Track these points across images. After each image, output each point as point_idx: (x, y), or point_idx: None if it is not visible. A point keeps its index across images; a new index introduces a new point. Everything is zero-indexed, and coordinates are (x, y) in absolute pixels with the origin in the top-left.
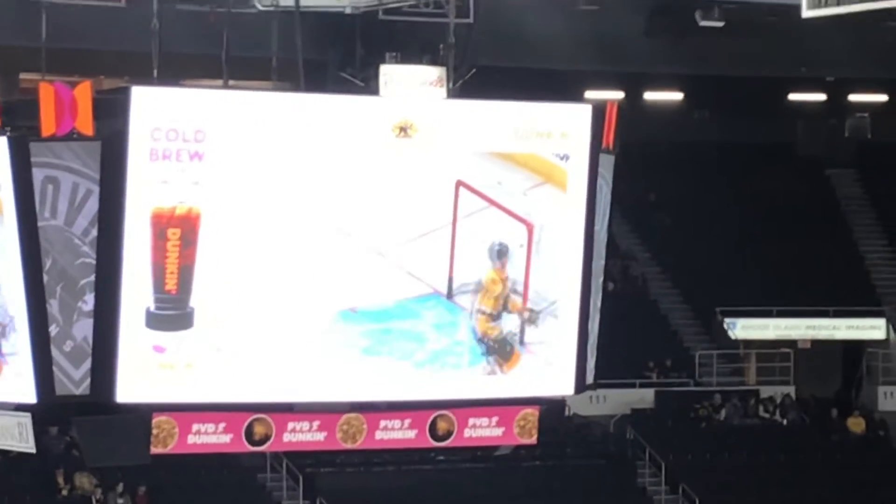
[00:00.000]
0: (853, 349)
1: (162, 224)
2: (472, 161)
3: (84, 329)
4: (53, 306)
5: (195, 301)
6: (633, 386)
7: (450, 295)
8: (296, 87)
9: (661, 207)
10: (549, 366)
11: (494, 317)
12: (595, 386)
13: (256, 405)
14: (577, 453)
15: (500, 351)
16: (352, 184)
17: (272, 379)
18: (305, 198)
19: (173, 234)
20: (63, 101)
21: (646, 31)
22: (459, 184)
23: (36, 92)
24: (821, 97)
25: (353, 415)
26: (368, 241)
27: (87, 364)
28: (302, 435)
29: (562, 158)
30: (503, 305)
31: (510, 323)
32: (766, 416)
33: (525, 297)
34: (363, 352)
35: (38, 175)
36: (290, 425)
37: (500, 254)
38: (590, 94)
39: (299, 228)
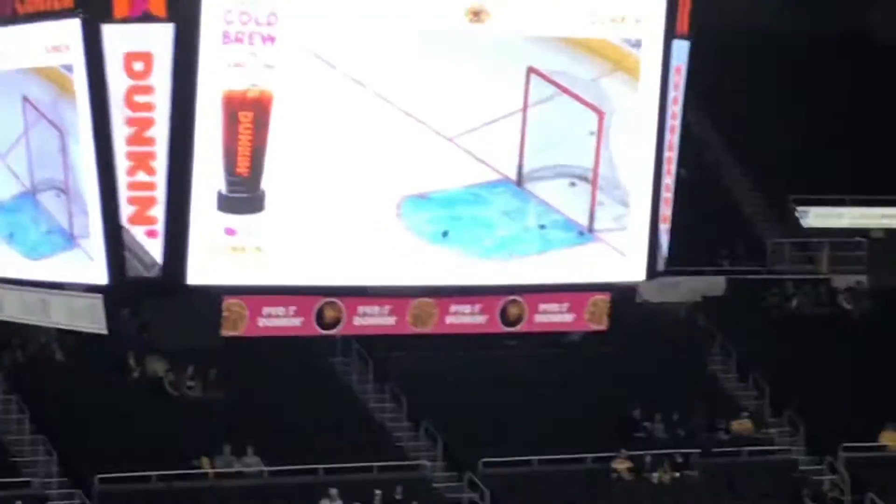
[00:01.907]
0: None
1: (234, 107)
2: (543, 47)
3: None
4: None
5: (266, 184)
6: (704, 273)
7: (519, 182)
8: None
9: (737, 95)
10: (620, 253)
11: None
12: (666, 273)
13: (327, 288)
14: (648, 340)
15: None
16: (423, 68)
17: (343, 263)
18: (377, 82)
19: (245, 117)
20: None
21: None
22: (531, 70)
23: None
24: None
25: (424, 299)
26: (439, 126)
27: (159, 246)
28: (372, 319)
29: (634, 45)
30: None
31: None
32: (839, 305)
33: (594, 184)
34: (431, 237)
35: None
36: (361, 309)
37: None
38: None
39: (370, 112)
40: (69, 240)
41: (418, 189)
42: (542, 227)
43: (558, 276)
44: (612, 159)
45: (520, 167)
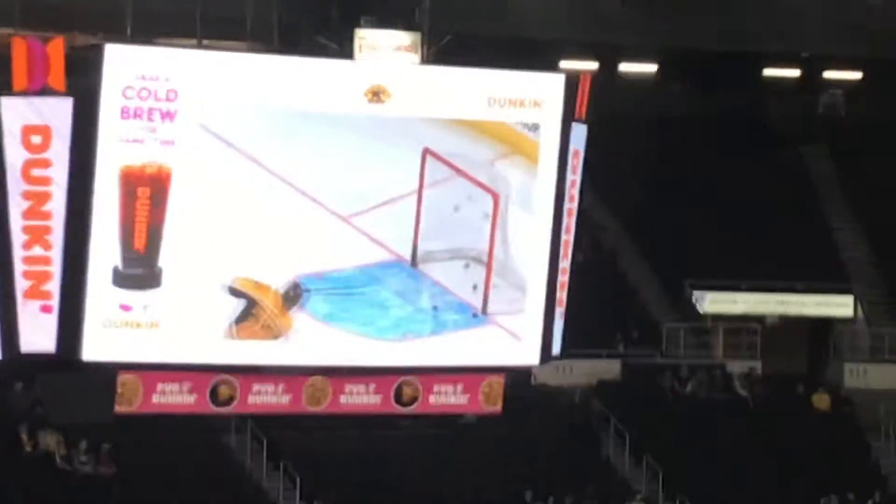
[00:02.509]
0: (821, 326)
1: (132, 182)
2: (440, 129)
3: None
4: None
5: (163, 260)
6: (599, 357)
7: (414, 263)
8: (270, 49)
9: (634, 180)
10: (515, 336)
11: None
12: (562, 356)
13: (222, 366)
14: (542, 423)
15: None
16: (321, 148)
17: (237, 341)
18: (274, 161)
19: (143, 192)
20: (36, 56)
21: (622, 1)
22: (427, 151)
23: (8, 47)
24: (795, 73)
25: (318, 378)
26: (334, 206)
27: (54, 321)
28: (267, 397)
29: (531, 129)
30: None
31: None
32: (733, 390)
33: (489, 266)
34: (325, 318)
35: None
36: (256, 387)
37: None
38: (564, 63)
39: (266, 190)
40: None
41: (314, 268)
42: (436, 308)
43: (453, 358)
44: (508, 242)
45: (414, 248)
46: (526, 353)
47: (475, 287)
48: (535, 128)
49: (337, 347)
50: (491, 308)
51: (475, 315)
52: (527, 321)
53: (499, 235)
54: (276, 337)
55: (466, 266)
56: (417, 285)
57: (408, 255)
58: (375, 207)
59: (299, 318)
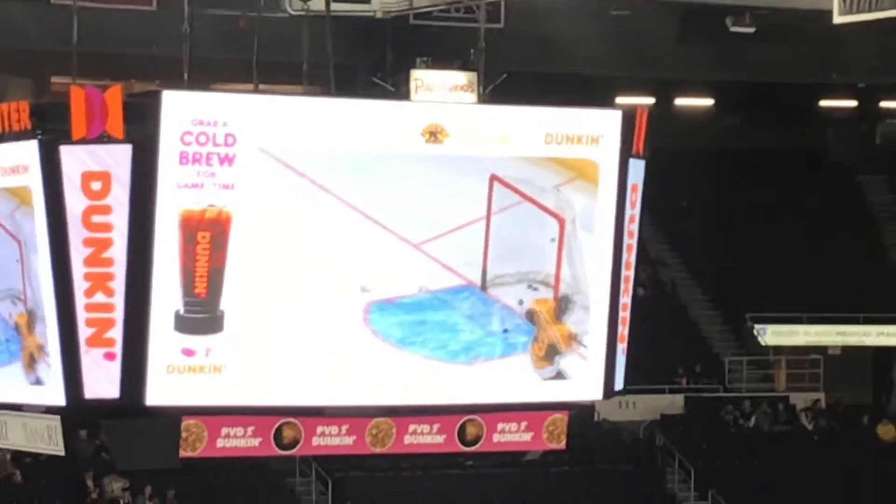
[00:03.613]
0: (883, 356)
1: (192, 227)
2: (503, 160)
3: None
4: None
5: (225, 304)
6: (662, 392)
7: (483, 287)
8: (326, 92)
9: (692, 213)
10: (583, 357)
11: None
12: (624, 392)
13: (286, 409)
14: (606, 459)
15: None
16: (387, 180)
17: (302, 382)
18: (341, 192)
19: (203, 237)
20: (94, 104)
21: (677, 36)
22: (493, 178)
23: (67, 95)
24: (852, 103)
25: (382, 419)
26: (405, 234)
27: (117, 368)
28: (331, 439)
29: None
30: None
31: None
32: (796, 422)
33: (556, 289)
34: (398, 342)
35: None
36: (320, 429)
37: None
38: (620, 99)
39: (334, 222)
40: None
41: (385, 295)
42: (506, 331)
43: (519, 385)
44: (573, 265)
45: (484, 272)
46: (589, 389)
47: None
48: (594, 154)
49: (405, 379)
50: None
51: None
52: (592, 344)
53: (565, 258)
54: (342, 376)
55: (534, 289)
56: (487, 309)
57: (478, 280)
58: (445, 234)
59: (373, 343)
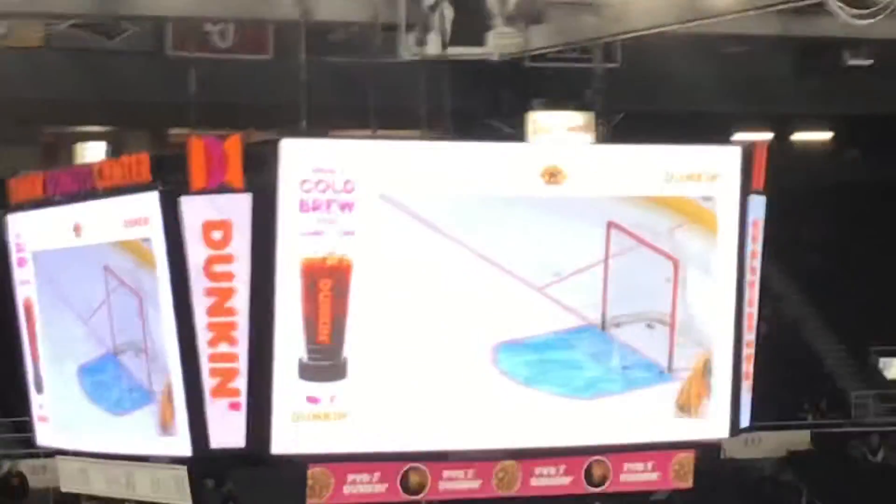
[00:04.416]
0: None
1: (313, 275)
2: (622, 203)
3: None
4: None
5: (348, 351)
6: (788, 428)
7: (603, 327)
8: (444, 136)
9: (815, 248)
10: (705, 407)
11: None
12: (751, 428)
13: (411, 454)
14: (734, 497)
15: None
16: (508, 224)
17: (427, 426)
18: (462, 237)
19: (325, 284)
20: (213, 155)
21: (794, 71)
22: (611, 224)
23: (185, 147)
24: None
25: (508, 462)
26: (528, 278)
27: (243, 418)
28: (458, 483)
29: (706, 200)
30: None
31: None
32: None
33: (672, 327)
34: (525, 381)
35: None
36: (446, 473)
37: None
38: (738, 136)
39: (452, 273)
40: (148, 395)
41: (512, 336)
42: (625, 367)
43: (644, 421)
44: (688, 304)
45: (603, 314)
46: (715, 426)
47: (660, 346)
48: (709, 199)
49: (535, 409)
50: (676, 364)
51: (661, 372)
52: (718, 382)
53: (680, 297)
54: (466, 419)
55: (651, 327)
56: (608, 347)
57: (598, 320)
58: (566, 278)
59: (501, 383)
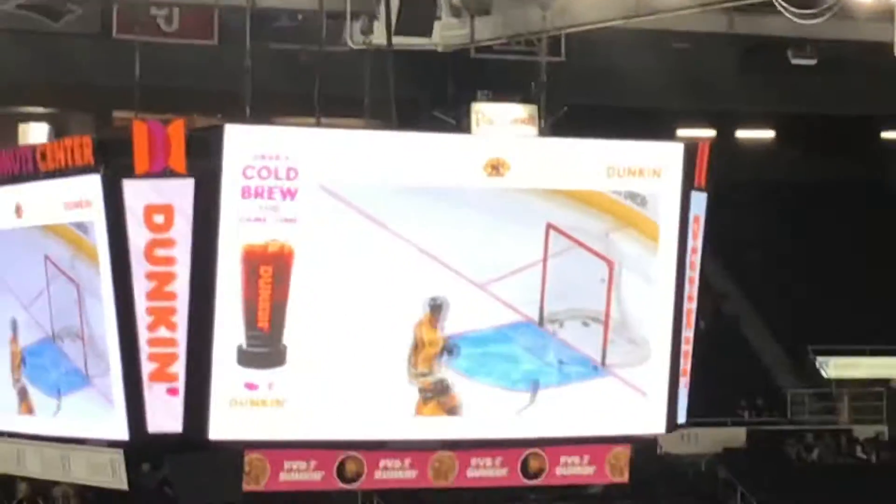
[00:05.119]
0: None
1: (254, 261)
2: (561, 205)
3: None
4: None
5: (287, 338)
6: (724, 424)
7: (541, 323)
8: (388, 125)
9: (754, 246)
10: (636, 389)
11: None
12: (687, 425)
13: (348, 443)
14: (669, 492)
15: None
16: (445, 223)
17: (364, 415)
18: (398, 237)
19: (265, 271)
20: (156, 139)
21: (738, 69)
22: (549, 226)
23: (129, 130)
24: None
25: (445, 453)
26: (472, 275)
27: (180, 401)
28: (394, 472)
29: (640, 203)
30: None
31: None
32: (860, 456)
33: (606, 325)
34: (466, 371)
35: None
36: (382, 463)
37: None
38: (681, 132)
39: (392, 264)
40: (85, 379)
41: (455, 330)
42: (561, 362)
43: (580, 416)
44: (624, 304)
45: (541, 310)
46: (652, 422)
47: (594, 342)
48: (643, 202)
49: (477, 399)
50: (609, 360)
51: (595, 367)
52: (646, 376)
53: (614, 297)
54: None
55: (586, 325)
56: (544, 342)
57: (535, 316)
58: (507, 276)
59: (447, 373)
